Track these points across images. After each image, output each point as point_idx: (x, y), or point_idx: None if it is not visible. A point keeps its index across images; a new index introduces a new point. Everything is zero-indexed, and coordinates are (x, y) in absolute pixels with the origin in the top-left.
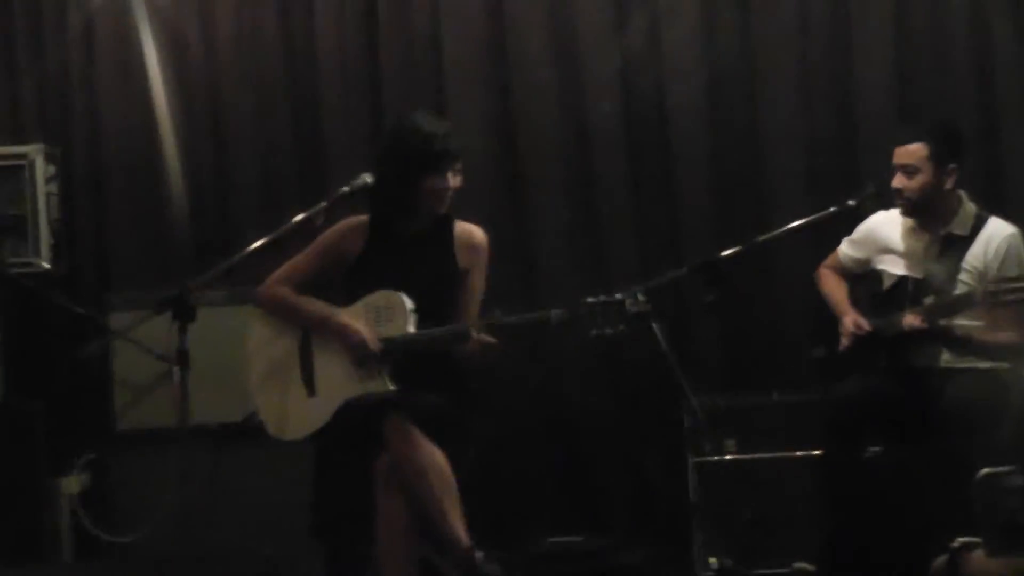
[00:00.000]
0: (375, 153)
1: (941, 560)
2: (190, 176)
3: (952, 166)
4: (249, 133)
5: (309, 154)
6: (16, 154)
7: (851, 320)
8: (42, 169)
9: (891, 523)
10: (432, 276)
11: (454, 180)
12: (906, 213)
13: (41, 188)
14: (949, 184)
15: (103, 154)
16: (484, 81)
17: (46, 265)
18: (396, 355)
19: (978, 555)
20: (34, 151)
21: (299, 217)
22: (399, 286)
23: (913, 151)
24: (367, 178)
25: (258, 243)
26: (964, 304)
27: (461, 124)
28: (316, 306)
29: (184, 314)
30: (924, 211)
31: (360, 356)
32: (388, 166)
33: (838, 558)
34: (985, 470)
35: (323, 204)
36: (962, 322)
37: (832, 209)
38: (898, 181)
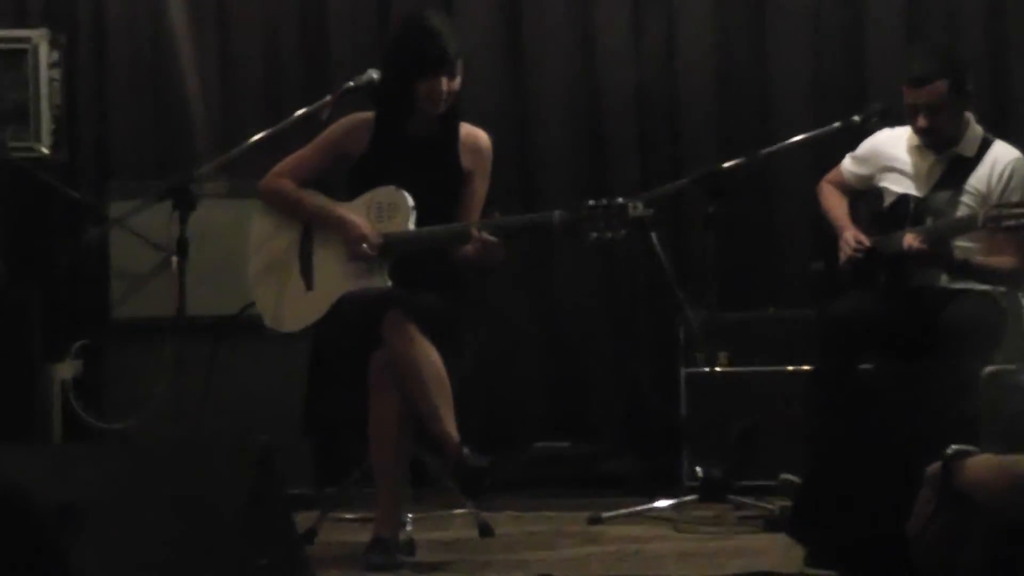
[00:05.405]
0: (382, 50)
1: (934, 467)
2: (195, 67)
3: (969, 89)
4: (255, 24)
5: (314, 48)
6: (19, 38)
7: (851, 236)
8: (45, 54)
9: (882, 436)
10: (435, 176)
11: (450, 84)
12: (930, 146)
13: (44, 73)
14: (966, 108)
15: (108, 41)
16: None
17: (46, 151)
18: (395, 252)
19: (972, 462)
20: (38, 36)
21: (303, 111)
22: (402, 184)
23: (936, 91)
24: (373, 74)
25: (261, 135)
26: (965, 227)
27: (469, 24)
28: (318, 200)
29: (185, 203)
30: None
31: (359, 251)
32: (388, 65)
33: (826, 470)
34: (992, 367)
35: (328, 98)
36: (962, 244)
37: (837, 125)
38: (923, 122)
